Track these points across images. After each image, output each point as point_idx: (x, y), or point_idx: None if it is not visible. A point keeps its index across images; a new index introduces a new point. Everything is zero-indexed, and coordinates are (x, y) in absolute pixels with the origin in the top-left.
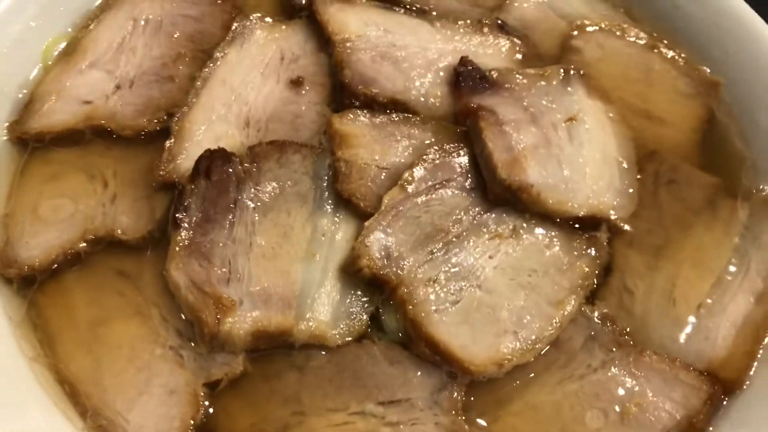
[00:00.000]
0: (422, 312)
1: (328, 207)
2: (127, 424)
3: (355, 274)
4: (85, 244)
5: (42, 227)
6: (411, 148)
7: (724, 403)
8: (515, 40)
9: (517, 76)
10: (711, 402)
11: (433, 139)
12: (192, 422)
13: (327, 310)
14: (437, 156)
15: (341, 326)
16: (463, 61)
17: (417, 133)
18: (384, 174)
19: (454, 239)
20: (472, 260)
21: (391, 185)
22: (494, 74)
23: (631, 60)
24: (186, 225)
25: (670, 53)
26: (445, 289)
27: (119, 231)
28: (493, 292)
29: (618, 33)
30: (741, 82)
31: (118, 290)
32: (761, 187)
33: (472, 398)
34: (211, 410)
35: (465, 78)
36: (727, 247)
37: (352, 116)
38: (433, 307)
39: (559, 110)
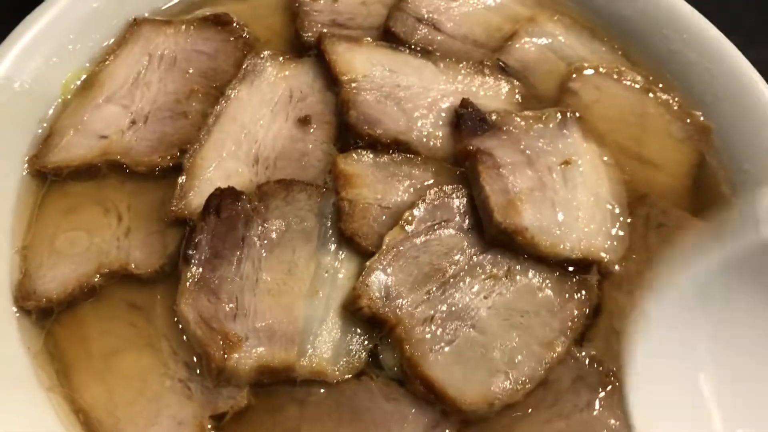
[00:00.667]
0: (418, 351)
1: (332, 245)
2: None
3: (355, 313)
4: (99, 277)
5: (59, 260)
6: (412, 188)
7: None
8: (515, 81)
9: (516, 118)
10: None
11: (433, 180)
12: None
13: (328, 346)
14: (436, 197)
15: (341, 363)
16: (464, 103)
17: (418, 174)
18: (385, 214)
19: (450, 279)
20: (467, 300)
21: (392, 224)
22: (494, 116)
23: (626, 103)
24: (196, 261)
25: (665, 96)
26: (440, 329)
27: (132, 265)
28: (486, 332)
29: (615, 76)
30: (730, 129)
31: (131, 322)
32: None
33: None
34: None
35: (465, 120)
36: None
37: (356, 156)
38: (429, 347)
39: (555, 153)
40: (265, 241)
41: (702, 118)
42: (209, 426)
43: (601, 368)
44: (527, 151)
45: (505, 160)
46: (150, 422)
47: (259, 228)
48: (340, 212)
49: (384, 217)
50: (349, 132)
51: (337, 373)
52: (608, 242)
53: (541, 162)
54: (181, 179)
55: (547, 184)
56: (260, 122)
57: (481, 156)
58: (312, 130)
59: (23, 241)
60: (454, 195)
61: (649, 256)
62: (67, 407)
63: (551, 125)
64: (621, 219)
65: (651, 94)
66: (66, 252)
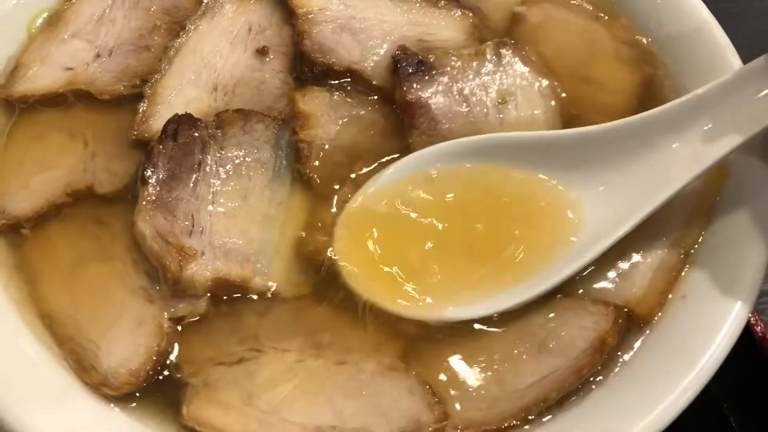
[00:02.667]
0: None
1: (286, 178)
2: (98, 350)
3: (306, 257)
4: (66, 196)
5: (27, 181)
6: (365, 128)
7: (635, 334)
8: (467, 12)
9: (453, 57)
10: (617, 321)
11: (385, 120)
12: (157, 349)
13: (282, 268)
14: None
15: (294, 283)
16: (401, 48)
17: (372, 115)
18: (339, 152)
19: None
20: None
21: (349, 165)
22: (431, 58)
23: (575, 28)
24: (153, 182)
25: (612, 22)
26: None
27: (97, 185)
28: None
29: (563, 3)
30: (672, 52)
31: (96, 237)
32: None
33: (412, 349)
34: (175, 343)
35: (402, 64)
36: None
37: (313, 95)
38: None
39: (494, 88)
40: (221, 167)
41: (647, 42)
42: (167, 326)
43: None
44: (465, 91)
45: (444, 104)
46: (111, 323)
47: (216, 154)
48: (299, 154)
49: (341, 158)
50: (303, 61)
51: (290, 294)
52: None
53: (480, 99)
54: (142, 105)
55: (484, 120)
56: (219, 54)
57: (417, 110)
58: (269, 60)
59: None
60: None
61: None
62: (33, 313)
63: (488, 59)
64: None
65: (599, 20)
66: (34, 174)
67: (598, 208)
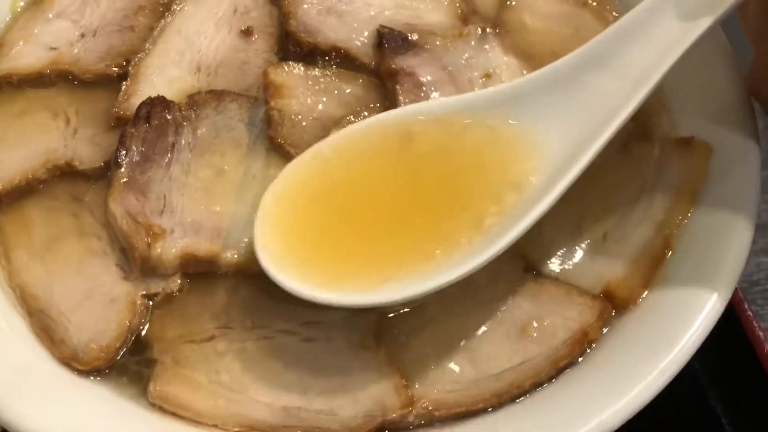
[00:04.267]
0: None
1: (260, 151)
2: (69, 323)
3: None
4: (45, 171)
5: (6, 156)
6: (341, 101)
7: (616, 316)
8: None
9: (437, 37)
10: (602, 315)
11: (363, 94)
12: (128, 325)
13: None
14: (364, 114)
15: None
16: (385, 26)
17: (347, 88)
18: (314, 124)
19: None
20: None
21: (321, 134)
22: (414, 36)
23: (562, 15)
24: (125, 164)
25: (601, 7)
26: None
27: (77, 162)
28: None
29: None
30: None
31: (73, 213)
32: (673, 131)
33: (384, 324)
34: (147, 321)
35: (387, 39)
36: (635, 185)
37: (286, 68)
38: None
39: (476, 68)
40: (195, 147)
41: None
42: (140, 303)
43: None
44: (449, 68)
45: (427, 78)
46: (84, 298)
47: (189, 135)
48: (270, 121)
49: (313, 127)
50: (288, 40)
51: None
52: None
53: (462, 77)
54: (125, 84)
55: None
56: (204, 34)
57: (401, 77)
58: (254, 40)
59: None
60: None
61: None
62: (5, 283)
63: (472, 41)
64: None
65: (587, 6)
66: (14, 148)
67: (548, 155)
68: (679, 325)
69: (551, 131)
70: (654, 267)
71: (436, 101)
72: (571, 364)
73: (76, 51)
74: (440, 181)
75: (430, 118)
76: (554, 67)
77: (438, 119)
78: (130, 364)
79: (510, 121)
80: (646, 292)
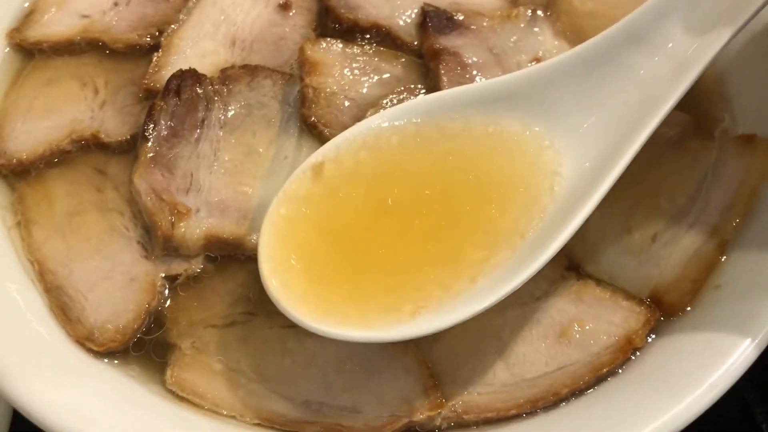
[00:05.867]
0: None
1: (293, 131)
2: (86, 302)
3: None
4: (71, 142)
5: (33, 125)
6: (379, 82)
7: (663, 324)
8: None
9: (485, 18)
10: (648, 322)
11: (402, 74)
12: (147, 307)
13: None
14: (403, 96)
15: None
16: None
17: (387, 68)
18: (350, 103)
19: None
20: None
21: (357, 114)
22: (461, 16)
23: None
24: (153, 138)
25: None
26: None
27: (103, 134)
28: None
29: None
30: None
31: (97, 187)
32: (733, 128)
33: None
34: (167, 302)
35: (432, 18)
36: (690, 184)
37: (324, 44)
38: None
39: (525, 51)
40: (225, 124)
41: None
42: (160, 284)
43: (560, 260)
44: (495, 50)
45: (472, 60)
46: (103, 276)
47: (220, 111)
48: (304, 98)
49: (348, 106)
50: (328, 15)
51: None
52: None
53: (510, 60)
54: (156, 55)
55: None
56: (240, 7)
57: (445, 56)
58: (292, 15)
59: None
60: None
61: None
62: (24, 257)
63: (521, 24)
64: None
65: None
66: (40, 118)
67: (584, 151)
68: (731, 337)
69: (586, 122)
70: (706, 273)
71: (455, 90)
72: (612, 372)
73: (108, 19)
74: (472, 189)
75: (451, 123)
76: (585, 48)
77: (460, 122)
78: (146, 347)
79: (537, 114)
80: (696, 300)
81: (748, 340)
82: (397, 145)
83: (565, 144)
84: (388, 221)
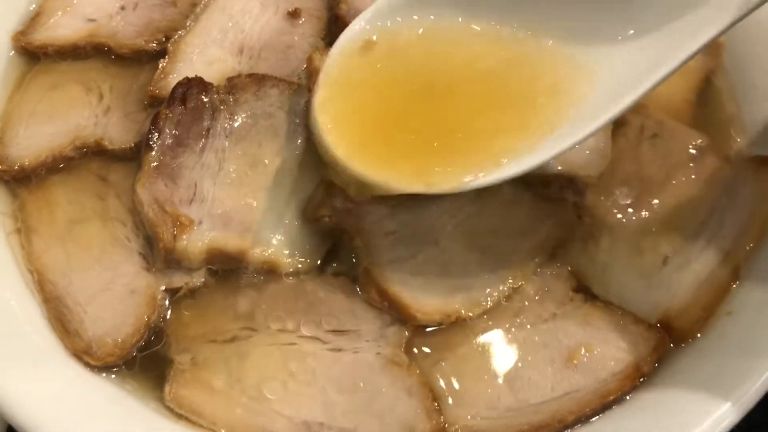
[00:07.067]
0: (376, 264)
1: (300, 142)
2: (85, 314)
3: (315, 222)
4: (74, 149)
5: (36, 130)
6: None
7: (672, 350)
8: None
9: None
10: (657, 349)
11: None
12: (147, 321)
13: (284, 239)
14: None
15: (296, 256)
16: None
17: None
18: None
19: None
20: (434, 218)
21: None
22: None
23: None
24: (157, 147)
25: None
26: (401, 244)
27: (107, 141)
28: (449, 250)
29: None
30: (741, 43)
31: (99, 195)
32: (748, 148)
33: (419, 338)
34: (167, 315)
35: None
36: (704, 205)
37: None
38: (387, 259)
39: None
40: (231, 134)
41: None
42: (161, 297)
43: (569, 282)
44: None
45: None
46: (102, 288)
47: (226, 120)
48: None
49: None
50: (337, 24)
51: (290, 265)
52: (589, 157)
53: None
54: (163, 62)
55: None
56: (249, 14)
57: None
58: (301, 23)
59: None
60: None
61: (639, 166)
62: (23, 266)
63: None
64: (603, 131)
65: None
66: (43, 123)
67: (617, 61)
68: (742, 367)
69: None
70: (718, 298)
71: None
72: (620, 400)
73: (114, 24)
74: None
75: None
76: None
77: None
78: (145, 362)
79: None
80: (706, 326)
81: (760, 372)
82: (445, 38)
83: (600, 51)
84: (440, 96)
